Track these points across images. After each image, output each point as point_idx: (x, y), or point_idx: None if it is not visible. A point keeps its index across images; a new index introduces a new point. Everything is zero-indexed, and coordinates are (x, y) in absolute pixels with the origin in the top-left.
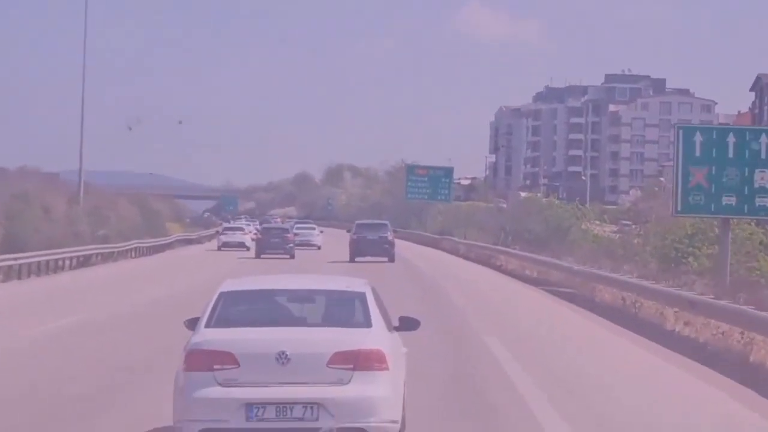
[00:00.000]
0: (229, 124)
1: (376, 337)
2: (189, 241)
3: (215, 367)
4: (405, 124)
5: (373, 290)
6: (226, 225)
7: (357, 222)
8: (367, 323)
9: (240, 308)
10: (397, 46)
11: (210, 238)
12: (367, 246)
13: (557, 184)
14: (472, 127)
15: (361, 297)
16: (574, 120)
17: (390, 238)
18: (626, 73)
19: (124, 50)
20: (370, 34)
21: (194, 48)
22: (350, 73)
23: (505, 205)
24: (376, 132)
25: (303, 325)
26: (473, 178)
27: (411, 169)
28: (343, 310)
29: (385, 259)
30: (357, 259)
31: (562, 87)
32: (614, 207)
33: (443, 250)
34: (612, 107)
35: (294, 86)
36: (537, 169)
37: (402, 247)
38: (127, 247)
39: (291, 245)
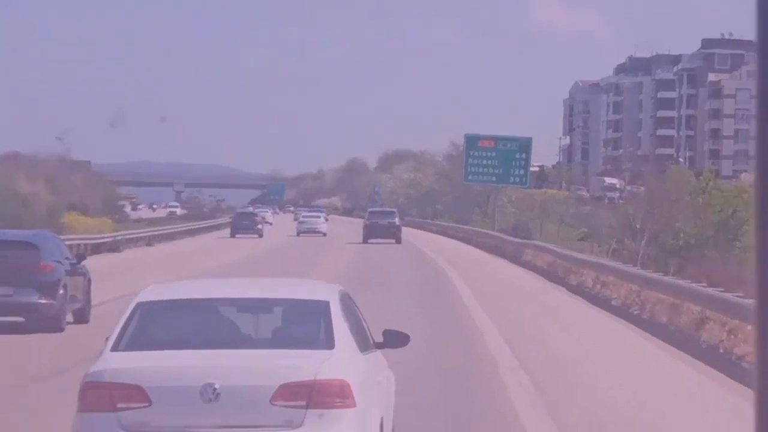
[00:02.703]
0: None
1: (338, 362)
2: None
3: (119, 405)
4: (470, 108)
5: (344, 298)
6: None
7: (369, 209)
8: (329, 344)
9: (161, 324)
10: (461, 31)
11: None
12: (378, 230)
13: (643, 169)
14: (543, 107)
15: (324, 308)
16: (664, 94)
17: (397, 223)
18: (727, 37)
19: None
20: (431, 20)
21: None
22: (419, 58)
23: (586, 193)
24: (440, 117)
25: (243, 347)
26: (541, 166)
27: (472, 141)
28: (300, 326)
29: (393, 240)
30: (369, 241)
31: (648, 57)
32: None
33: (528, 268)
34: (712, 77)
35: (360, 68)
36: (620, 151)
37: (460, 265)
38: None
39: (260, 226)
